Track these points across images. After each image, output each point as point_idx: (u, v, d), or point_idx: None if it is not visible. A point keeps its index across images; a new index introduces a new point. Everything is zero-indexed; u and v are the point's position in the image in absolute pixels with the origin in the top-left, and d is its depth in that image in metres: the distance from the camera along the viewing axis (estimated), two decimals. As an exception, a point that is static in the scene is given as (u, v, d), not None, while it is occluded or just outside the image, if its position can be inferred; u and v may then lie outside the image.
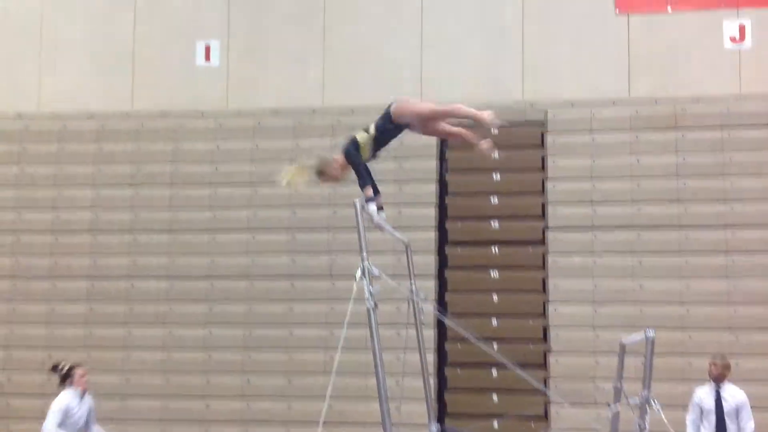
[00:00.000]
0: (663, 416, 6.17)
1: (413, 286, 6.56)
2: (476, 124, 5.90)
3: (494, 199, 9.54)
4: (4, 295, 10.00)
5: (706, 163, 9.25)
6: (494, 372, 9.04)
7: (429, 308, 8.09)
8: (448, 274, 9.50)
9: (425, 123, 5.90)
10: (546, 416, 9.03)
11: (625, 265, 9.21)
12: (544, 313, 9.28)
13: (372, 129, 5.80)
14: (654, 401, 6.27)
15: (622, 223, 9.28)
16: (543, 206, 9.47)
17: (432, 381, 8.67)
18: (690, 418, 7.76)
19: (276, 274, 9.67)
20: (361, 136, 5.79)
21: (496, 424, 8.93)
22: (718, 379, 7.71)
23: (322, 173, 5.84)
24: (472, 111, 5.75)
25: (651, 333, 6.26)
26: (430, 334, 8.95)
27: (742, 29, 9.59)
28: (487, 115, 5.67)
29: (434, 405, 7.53)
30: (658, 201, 9.27)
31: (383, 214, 5.87)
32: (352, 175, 5.81)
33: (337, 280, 9.37)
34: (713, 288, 9.01)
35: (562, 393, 8.52)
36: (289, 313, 9.56)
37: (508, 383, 8.82)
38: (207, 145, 10.07)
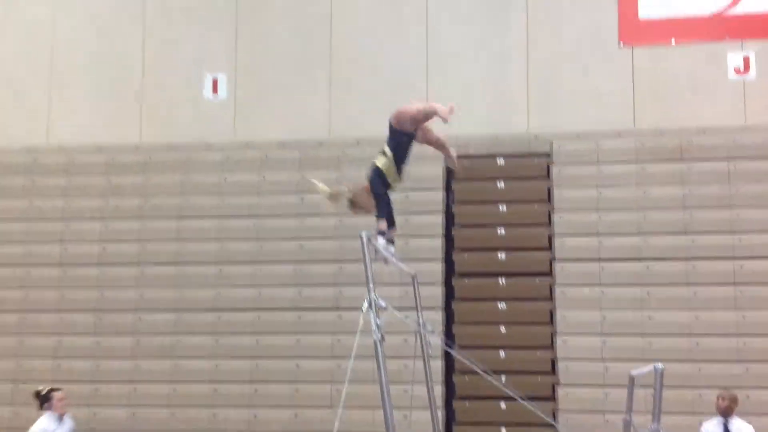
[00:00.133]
0: (673, 449, 6.11)
1: (420, 319, 6.54)
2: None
3: (501, 231, 9.54)
4: (13, 328, 10.00)
5: (713, 194, 9.25)
6: (503, 405, 8.98)
7: (436, 340, 8.06)
8: (455, 305, 9.48)
9: (419, 128, 5.96)
10: (555, 449, 8.96)
11: (633, 296, 9.17)
12: (552, 345, 9.23)
13: (387, 150, 5.87)
14: (664, 434, 6.22)
15: (630, 255, 9.26)
16: (549, 237, 9.47)
17: (440, 414, 8.62)
18: (698, 452, 7.69)
19: (283, 307, 9.66)
20: (381, 162, 5.85)
21: (504, 457, 8.87)
22: (725, 413, 7.64)
23: (354, 204, 5.89)
24: (430, 109, 5.89)
25: (660, 366, 6.22)
26: (437, 367, 8.90)
27: (746, 61, 9.64)
28: (444, 110, 5.81)
29: (442, 438, 7.47)
30: (665, 232, 9.25)
31: (392, 248, 5.89)
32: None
33: (343, 313, 9.36)
34: (722, 319, 8.96)
35: (571, 426, 8.46)
36: (296, 346, 9.53)
37: (516, 416, 8.76)
38: (214, 178, 10.11)
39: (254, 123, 10.33)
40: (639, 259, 9.24)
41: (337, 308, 9.48)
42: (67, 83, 10.70)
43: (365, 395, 7.33)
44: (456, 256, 9.58)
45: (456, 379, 9.25)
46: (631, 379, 7.02)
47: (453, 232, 9.66)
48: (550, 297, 9.34)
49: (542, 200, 9.59)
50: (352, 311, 8.10)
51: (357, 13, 10.39)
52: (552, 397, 9.08)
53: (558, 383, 9.12)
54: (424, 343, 6.58)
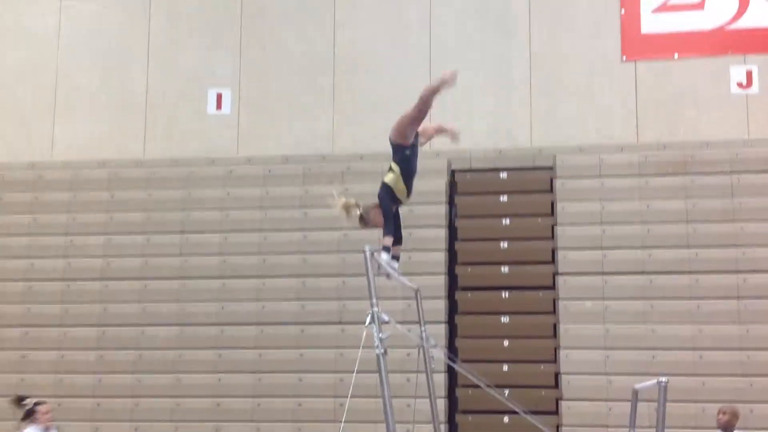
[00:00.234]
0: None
1: (423, 332, 6.54)
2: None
3: (504, 244, 9.54)
4: (15, 342, 10.00)
5: (716, 208, 9.25)
6: (506, 419, 8.96)
7: (439, 354, 8.06)
8: (458, 319, 9.47)
9: (420, 127, 6.02)
10: (559, 464, 8.93)
11: (637, 310, 9.16)
12: (555, 359, 9.22)
13: (394, 166, 5.91)
14: (667, 448, 6.19)
15: (633, 268, 9.25)
16: (553, 251, 9.47)
17: (443, 428, 8.60)
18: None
19: (286, 321, 9.65)
20: (390, 178, 5.90)
21: (508, 471, 8.83)
22: (726, 428, 7.60)
23: (365, 220, 5.93)
24: (434, 83, 5.98)
25: (664, 380, 6.21)
26: (440, 381, 8.89)
27: (749, 75, 9.66)
28: (446, 74, 5.93)
29: (445, 453, 7.45)
30: (668, 246, 9.25)
31: (396, 263, 5.91)
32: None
33: (346, 327, 9.35)
34: (726, 333, 8.94)
35: (574, 440, 8.43)
36: (299, 360, 9.53)
37: (520, 430, 8.69)
38: (218, 192, 10.14)
39: (258, 138, 10.37)
40: (642, 273, 9.23)
41: (340, 322, 9.48)
42: (70, 99, 10.75)
43: (368, 409, 7.34)
44: (459, 270, 9.58)
45: (459, 392, 9.23)
46: (635, 393, 7.00)
47: (456, 246, 9.67)
48: (553, 310, 9.33)
49: (545, 214, 9.59)
50: (355, 325, 8.13)
51: (361, 31, 10.43)
52: (555, 411, 9.05)
53: (561, 397, 9.10)
54: (427, 357, 6.59)
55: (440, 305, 9.39)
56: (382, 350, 5.02)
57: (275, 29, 10.56)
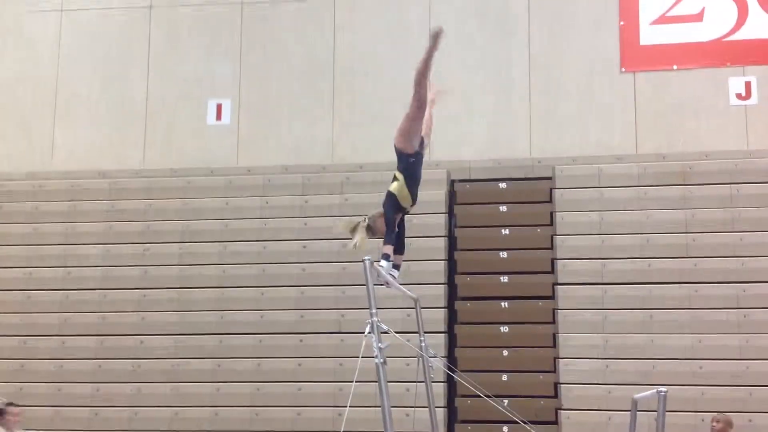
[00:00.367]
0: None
1: (423, 342, 6.54)
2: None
3: (503, 254, 9.54)
4: (14, 351, 9.98)
5: (716, 218, 9.26)
6: (505, 429, 8.94)
7: (438, 364, 8.05)
8: (457, 328, 9.46)
9: (424, 117, 6.02)
10: (558, 474, 8.91)
11: (636, 319, 9.15)
12: (554, 369, 9.21)
13: (398, 174, 5.93)
14: (667, 458, 6.18)
15: (632, 278, 9.25)
16: (552, 261, 9.47)
17: (442, 438, 8.58)
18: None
19: (285, 331, 9.64)
20: (394, 187, 5.93)
21: (507, 482, 8.82)
22: (720, 438, 7.62)
23: (372, 229, 5.95)
24: (421, 61, 6.00)
25: (663, 390, 6.21)
26: (439, 390, 8.88)
27: (748, 86, 9.69)
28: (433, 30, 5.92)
29: (444, 463, 7.44)
30: (668, 256, 9.26)
31: (396, 272, 5.93)
32: None
33: (346, 336, 9.34)
34: (725, 343, 8.94)
35: (574, 451, 8.41)
36: (298, 370, 9.51)
37: (519, 440, 8.73)
38: (217, 202, 10.14)
39: (257, 148, 10.38)
40: (642, 283, 9.23)
41: (340, 332, 9.47)
42: (70, 107, 10.77)
43: (367, 419, 7.32)
44: (459, 280, 9.58)
45: (458, 402, 9.21)
46: (634, 403, 7.00)
47: (456, 256, 9.67)
48: (553, 320, 9.33)
49: (545, 224, 9.60)
50: (355, 335, 8.13)
51: (361, 42, 10.45)
52: (555, 421, 9.04)
53: (561, 407, 9.08)
54: (426, 366, 6.59)
55: (440, 315, 9.39)
56: (382, 360, 5.02)
57: (276, 40, 10.57)
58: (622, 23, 10.05)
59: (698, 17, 9.92)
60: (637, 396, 6.98)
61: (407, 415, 6.93)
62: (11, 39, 11.05)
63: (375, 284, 5.32)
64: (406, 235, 6.34)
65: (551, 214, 9.60)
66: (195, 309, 9.83)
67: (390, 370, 5.13)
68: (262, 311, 9.73)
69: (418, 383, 6.54)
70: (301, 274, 9.77)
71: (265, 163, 10.24)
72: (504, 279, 9.48)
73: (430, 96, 6.25)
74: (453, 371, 7.46)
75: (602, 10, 10.10)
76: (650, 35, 10.00)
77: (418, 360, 6.51)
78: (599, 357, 9.12)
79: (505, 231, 9.60)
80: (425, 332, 6.88)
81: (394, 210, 5.93)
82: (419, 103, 5.92)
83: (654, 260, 9.26)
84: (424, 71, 5.87)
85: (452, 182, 9.92)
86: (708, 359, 8.92)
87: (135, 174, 10.41)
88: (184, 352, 9.74)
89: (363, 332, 5.11)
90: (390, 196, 5.93)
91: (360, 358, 5.09)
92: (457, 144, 9.90)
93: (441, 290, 9.50)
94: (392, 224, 5.89)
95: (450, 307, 9.53)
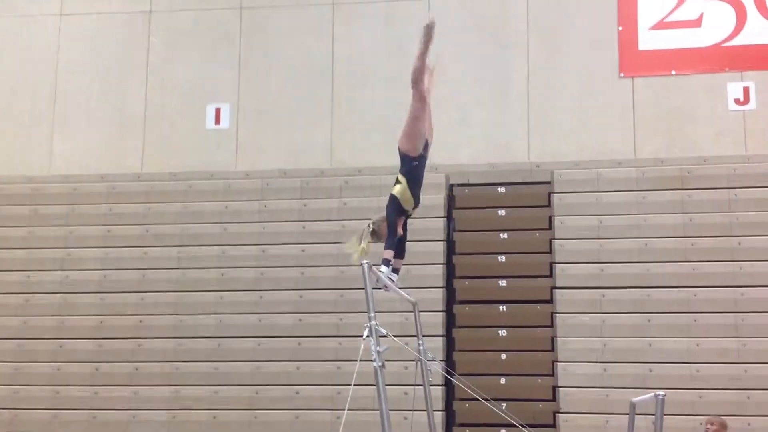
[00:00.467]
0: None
1: (421, 346, 6.55)
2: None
3: (502, 258, 9.55)
4: (12, 354, 9.97)
5: (714, 222, 9.28)
6: (503, 432, 8.96)
7: (437, 367, 8.06)
8: (455, 332, 9.47)
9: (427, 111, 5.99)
10: (556, 478, 8.91)
11: (634, 323, 9.17)
12: (552, 372, 9.22)
13: (401, 177, 5.95)
14: (665, 462, 6.19)
15: (631, 282, 9.27)
16: (550, 265, 9.48)
17: (440, 442, 8.59)
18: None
19: (283, 334, 9.65)
20: (397, 190, 5.95)
21: (505, 486, 8.82)
22: (715, 441, 7.63)
23: (377, 234, 5.96)
24: (422, 46, 5.96)
25: (661, 393, 6.22)
26: (438, 394, 8.89)
27: (746, 91, 9.71)
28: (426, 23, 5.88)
29: (443, 466, 7.45)
30: (666, 260, 9.27)
31: (395, 277, 5.94)
32: None
33: (344, 340, 9.35)
34: (723, 347, 8.95)
35: (572, 454, 8.41)
36: (296, 373, 9.52)
37: (517, 444, 8.73)
38: (216, 206, 10.15)
39: (256, 152, 10.39)
40: (640, 287, 9.25)
41: (338, 335, 9.48)
42: (69, 112, 10.77)
43: (366, 422, 7.32)
44: (457, 284, 9.59)
45: (456, 406, 9.21)
46: (632, 407, 7.01)
47: (454, 260, 9.68)
48: (551, 324, 9.34)
49: (543, 228, 9.61)
50: (353, 338, 8.14)
51: (360, 45, 10.47)
52: (553, 425, 9.04)
53: (559, 410, 9.09)
54: (424, 370, 6.59)
55: (438, 318, 9.39)
56: (380, 363, 5.03)
57: (274, 45, 10.59)
58: (620, 28, 10.08)
59: (697, 23, 9.95)
60: (635, 399, 6.99)
61: (405, 418, 6.94)
62: (11, 45, 11.05)
63: (374, 288, 5.33)
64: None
65: (550, 218, 9.61)
66: (193, 312, 9.84)
67: (388, 373, 5.14)
68: (260, 314, 9.73)
69: (416, 387, 6.55)
70: (299, 277, 9.77)
71: (263, 167, 10.26)
72: (502, 283, 9.49)
73: (426, 85, 6.16)
74: (451, 375, 7.48)
75: (601, 16, 10.12)
76: (649, 41, 10.02)
77: (417, 363, 6.52)
78: (597, 360, 9.13)
79: (504, 235, 9.62)
80: (424, 336, 6.90)
81: (397, 213, 5.94)
82: (420, 102, 5.93)
83: (652, 264, 9.28)
84: (420, 67, 5.88)
85: (451, 186, 9.94)
86: (706, 363, 8.94)
87: (134, 178, 10.42)
88: (182, 356, 9.74)
89: (361, 336, 5.12)
90: (393, 199, 5.95)
91: (358, 362, 5.10)
92: (456, 148, 9.91)
93: (439, 294, 9.50)
94: (394, 228, 5.90)
95: (448, 311, 9.54)
